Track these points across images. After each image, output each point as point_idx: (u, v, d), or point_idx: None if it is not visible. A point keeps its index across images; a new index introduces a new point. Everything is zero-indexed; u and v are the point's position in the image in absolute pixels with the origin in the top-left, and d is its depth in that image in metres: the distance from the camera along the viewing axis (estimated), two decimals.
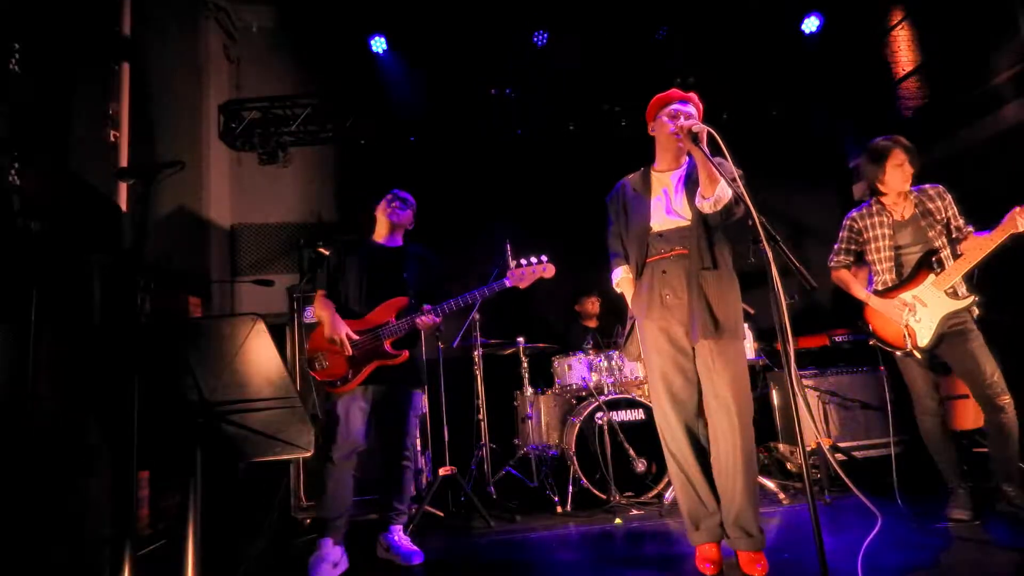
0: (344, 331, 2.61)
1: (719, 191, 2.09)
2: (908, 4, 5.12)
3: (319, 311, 2.72)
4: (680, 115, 2.27)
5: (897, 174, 2.68)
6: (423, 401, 3.12)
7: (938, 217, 2.68)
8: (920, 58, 5.12)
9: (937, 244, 2.65)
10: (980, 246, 2.54)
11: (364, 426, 2.65)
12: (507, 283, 2.69)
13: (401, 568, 2.64)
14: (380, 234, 2.91)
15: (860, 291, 2.79)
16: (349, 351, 2.60)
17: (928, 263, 2.64)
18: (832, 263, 2.91)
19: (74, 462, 2.21)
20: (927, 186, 2.76)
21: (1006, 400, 2.48)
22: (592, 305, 4.89)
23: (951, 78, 4.66)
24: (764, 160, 4.75)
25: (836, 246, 2.90)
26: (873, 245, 2.79)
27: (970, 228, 2.66)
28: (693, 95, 2.33)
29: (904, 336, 2.65)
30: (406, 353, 2.69)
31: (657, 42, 5.24)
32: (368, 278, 2.77)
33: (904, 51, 5.34)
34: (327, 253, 2.93)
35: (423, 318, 2.66)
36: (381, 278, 2.77)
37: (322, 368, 2.64)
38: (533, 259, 2.70)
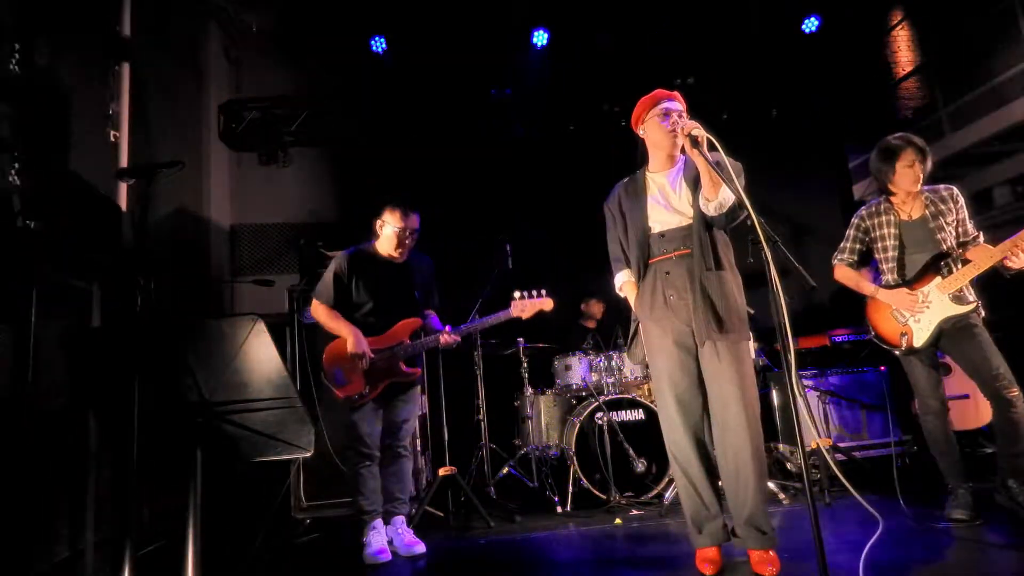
0: (367, 347, 2.75)
1: (722, 195, 2.08)
2: (908, 4, 5.12)
3: (334, 324, 2.81)
4: (672, 113, 2.26)
5: (907, 174, 2.62)
6: (423, 400, 3.18)
7: (948, 219, 2.62)
8: (920, 58, 5.11)
9: (945, 247, 2.60)
10: (989, 254, 2.51)
11: (380, 430, 2.83)
12: (511, 313, 2.94)
13: (403, 559, 2.68)
14: (385, 249, 2.91)
15: (867, 285, 2.74)
16: (366, 366, 2.74)
17: (936, 266, 2.61)
18: (835, 259, 2.85)
19: (74, 462, 2.21)
20: (940, 186, 2.70)
21: (1015, 393, 2.44)
22: (595, 307, 4.88)
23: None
24: (764, 160, 4.75)
25: (842, 243, 2.85)
26: (879, 244, 2.74)
27: (979, 236, 2.63)
28: (676, 93, 2.32)
29: (900, 336, 2.65)
30: (419, 370, 2.92)
31: (657, 42, 5.23)
32: (381, 295, 2.89)
33: (904, 51, 5.34)
34: (329, 255, 3.02)
35: (445, 338, 2.84)
36: (393, 295, 2.91)
37: (341, 385, 2.78)
38: (535, 292, 2.99)
